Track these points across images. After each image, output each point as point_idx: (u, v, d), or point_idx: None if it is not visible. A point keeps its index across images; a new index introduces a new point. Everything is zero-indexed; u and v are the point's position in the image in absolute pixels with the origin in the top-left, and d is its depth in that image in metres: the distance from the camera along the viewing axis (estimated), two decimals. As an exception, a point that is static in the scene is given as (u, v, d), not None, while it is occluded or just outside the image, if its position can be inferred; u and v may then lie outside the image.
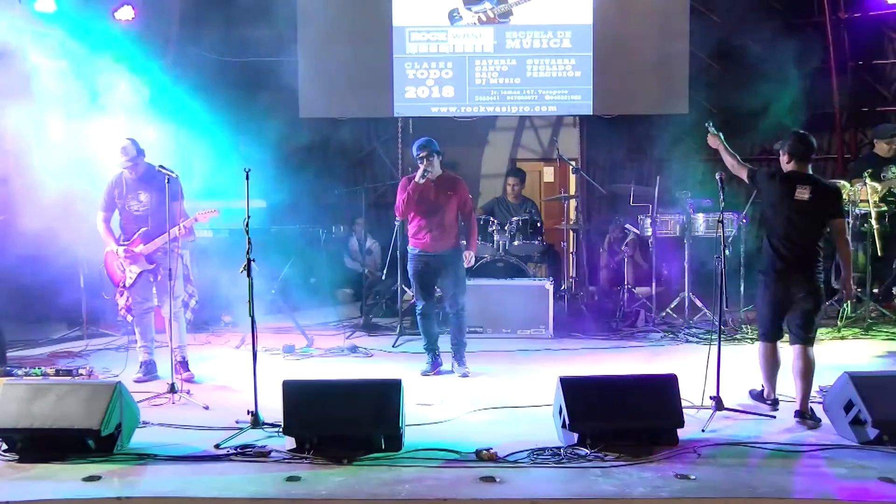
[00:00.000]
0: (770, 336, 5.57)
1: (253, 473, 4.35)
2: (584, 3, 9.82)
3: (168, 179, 5.93)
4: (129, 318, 6.69)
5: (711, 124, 6.00)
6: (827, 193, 5.48)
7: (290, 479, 4.24)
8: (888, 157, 8.74)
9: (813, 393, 5.62)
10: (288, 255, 8.42)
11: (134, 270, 6.49)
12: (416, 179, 6.48)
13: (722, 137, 5.92)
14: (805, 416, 5.26)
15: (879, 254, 7.97)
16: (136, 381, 6.36)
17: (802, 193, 5.39)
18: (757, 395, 5.73)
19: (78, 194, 7.87)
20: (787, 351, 5.52)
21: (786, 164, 5.55)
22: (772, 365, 5.59)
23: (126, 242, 6.49)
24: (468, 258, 6.83)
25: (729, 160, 5.87)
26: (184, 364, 6.49)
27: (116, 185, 6.53)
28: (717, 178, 5.64)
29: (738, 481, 4.19)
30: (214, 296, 8.92)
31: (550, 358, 7.26)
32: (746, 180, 5.74)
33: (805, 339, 5.43)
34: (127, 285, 6.53)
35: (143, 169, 6.45)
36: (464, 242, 6.89)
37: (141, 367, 6.57)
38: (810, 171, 5.52)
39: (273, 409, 4.93)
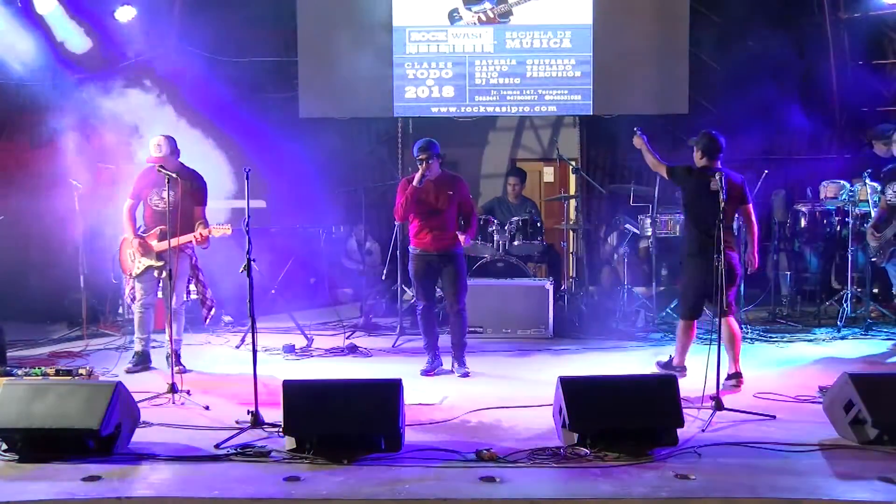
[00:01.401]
0: (695, 314, 6.39)
1: (253, 473, 4.34)
2: (584, 3, 9.81)
3: (168, 179, 5.94)
4: (136, 307, 6.78)
5: (638, 130, 6.69)
6: (735, 184, 6.29)
7: (290, 479, 4.24)
8: (886, 157, 8.74)
9: (813, 393, 5.72)
10: (288, 255, 8.42)
11: (143, 262, 6.60)
12: (414, 183, 6.44)
13: (645, 139, 6.63)
14: (737, 376, 6.12)
15: (880, 254, 7.95)
16: (126, 372, 6.51)
17: (716, 185, 6.01)
18: (666, 365, 6.52)
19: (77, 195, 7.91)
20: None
21: (699, 160, 6.36)
22: (689, 339, 6.41)
23: (144, 234, 6.61)
24: (463, 240, 6.63)
25: (650, 159, 6.63)
26: (176, 357, 6.57)
27: (145, 176, 6.67)
28: (718, 178, 5.67)
29: (738, 481, 4.19)
30: (214, 295, 8.93)
31: (550, 358, 7.26)
32: (666, 177, 6.56)
33: (727, 311, 6.12)
34: (134, 275, 6.66)
35: (173, 167, 6.48)
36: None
37: (133, 357, 6.72)
38: (719, 166, 6.27)
39: (273, 409, 4.93)
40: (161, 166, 6.27)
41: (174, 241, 6.30)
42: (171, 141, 6.52)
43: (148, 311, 6.74)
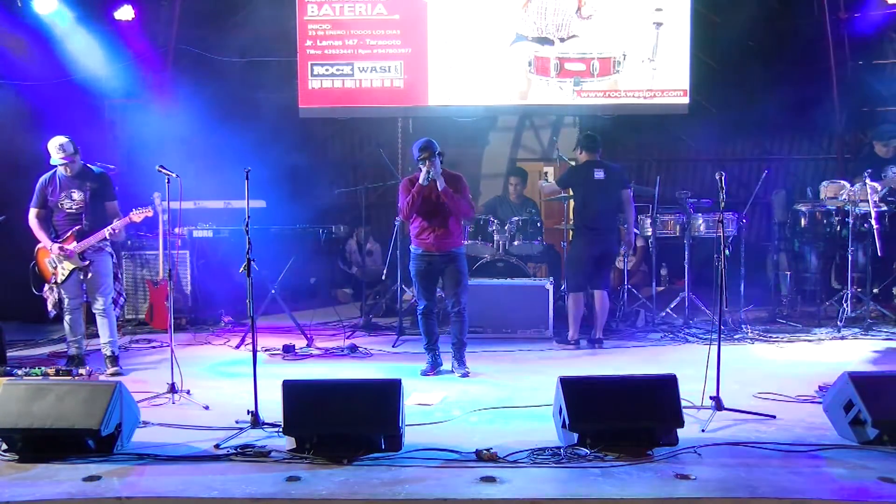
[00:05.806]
0: (583, 287, 7.55)
1: (253, 473, 4.35)
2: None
3: (168, 180, 5.94)
4: (65, 311, 6.68)
5: (543, 181, 9.11)
6: (615, 172, 7.57)
7: (290, 479, 4.25)
8: (887, 157, 8.75)
9: (812, 393, 5.74)
10: (288, 255, 8.42)
11: (66, 267, 6.56)
12: (420, 181, 6.44)
13: (545, 186, 8.91)
14: (601, 342, 7.53)
15: (879, 254, 7.96)
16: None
17: (599, 175, 7.43)
18: (563, 340, 7.56)
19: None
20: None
21: (581, 156, 7.66)
22: (581, 311, 7.57)
23: (61, 240, 6.55)
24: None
25: (552, 192, 8.52)
26: (113, 359, 6.63)
27: (49, 182, 6.61)
28: (717, 178, 5.66)
29: (738, 481, 4.19)
30: (214, 296, 8.94)
31: (550, 358, 7.26)
32: (563, 190, 8.10)
33: (605, 285, 7.62)
34: (59, 282, 6.59)
35: (77, 167, 6.55)
36: (465, 242, 6.85)
37: (68, 361, 6.72)
38: (599, 159, 7.55)
39: (273, 409, 4.93)
40: (161, 166, 6.26)
41: (107, 232, 6.41)
42: (73, 141, 6.49)
43: (77, 312, 6.70)
